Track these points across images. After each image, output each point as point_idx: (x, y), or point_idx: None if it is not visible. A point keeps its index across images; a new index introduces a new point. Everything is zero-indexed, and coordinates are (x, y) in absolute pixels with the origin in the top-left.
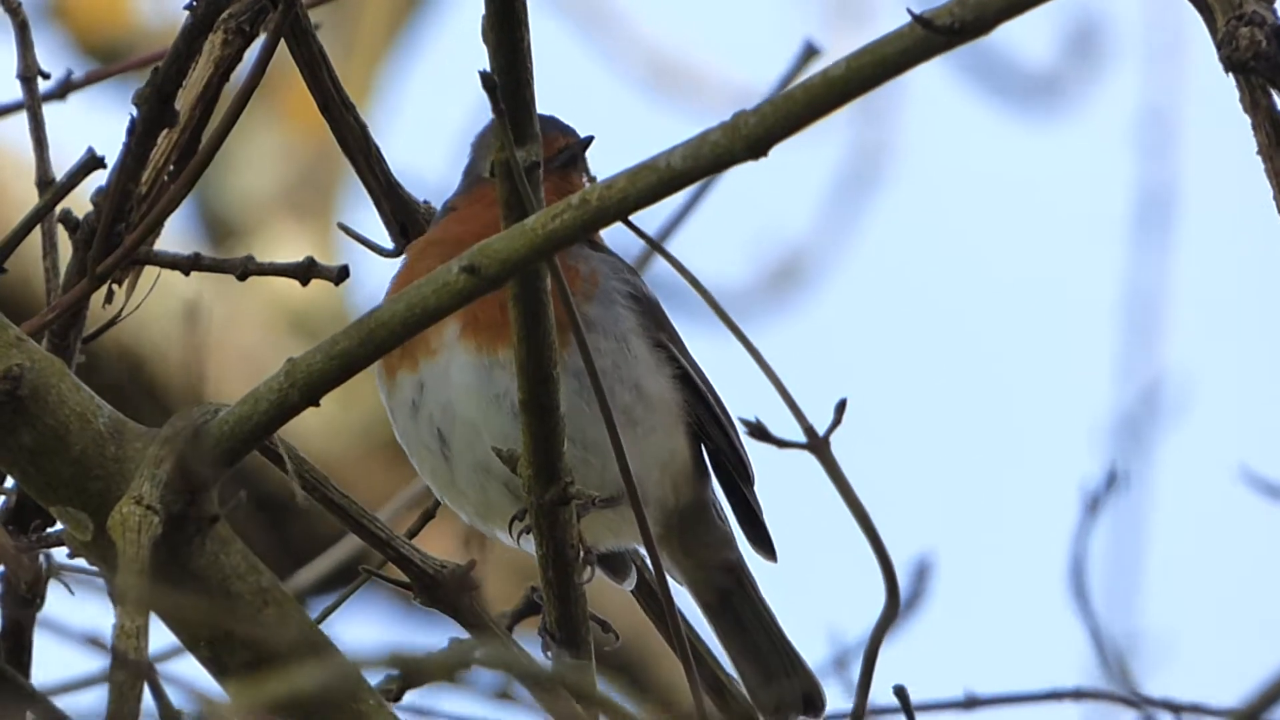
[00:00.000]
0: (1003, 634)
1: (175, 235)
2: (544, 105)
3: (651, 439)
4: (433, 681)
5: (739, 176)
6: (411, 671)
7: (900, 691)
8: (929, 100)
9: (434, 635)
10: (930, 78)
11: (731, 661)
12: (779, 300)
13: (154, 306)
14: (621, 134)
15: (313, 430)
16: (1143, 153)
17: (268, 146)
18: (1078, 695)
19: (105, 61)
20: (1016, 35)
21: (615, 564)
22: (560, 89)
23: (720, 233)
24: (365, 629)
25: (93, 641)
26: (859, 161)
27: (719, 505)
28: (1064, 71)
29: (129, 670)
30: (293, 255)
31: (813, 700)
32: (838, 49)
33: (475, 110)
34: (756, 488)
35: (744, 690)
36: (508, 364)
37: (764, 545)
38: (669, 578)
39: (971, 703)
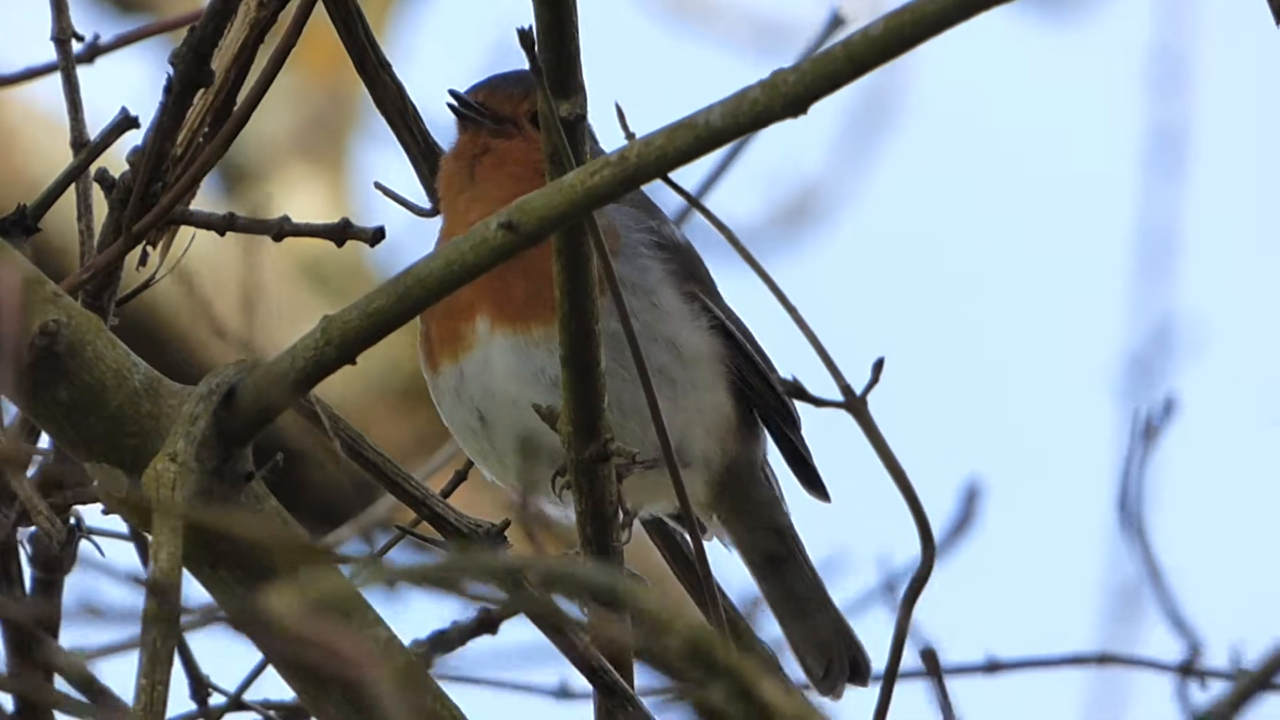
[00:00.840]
0: (1024, 596)
1: None
2: None
3: (692, 396)
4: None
5: None
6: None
7: (928, 654)
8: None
9: None
10: None
11: (780, 625)
12: (793, 237)
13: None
14: (643, 64)
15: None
16: (1154, 90)
17: (280, 90)
18: (1102, 660)
19: (125, 13)
20: None
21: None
22: (580, 19)
23: (731, 169)
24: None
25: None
26: (873, 97)
27: (769, 466)
28: None
29: (160, 620)
30: (307, 200)
31: (859, 667)
32: (862, 8)
33: (499, 54)
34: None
35: (776, 657)
36: (542, 342)
37: (816, 488)
38: (719, 540)
39: (994, 667)
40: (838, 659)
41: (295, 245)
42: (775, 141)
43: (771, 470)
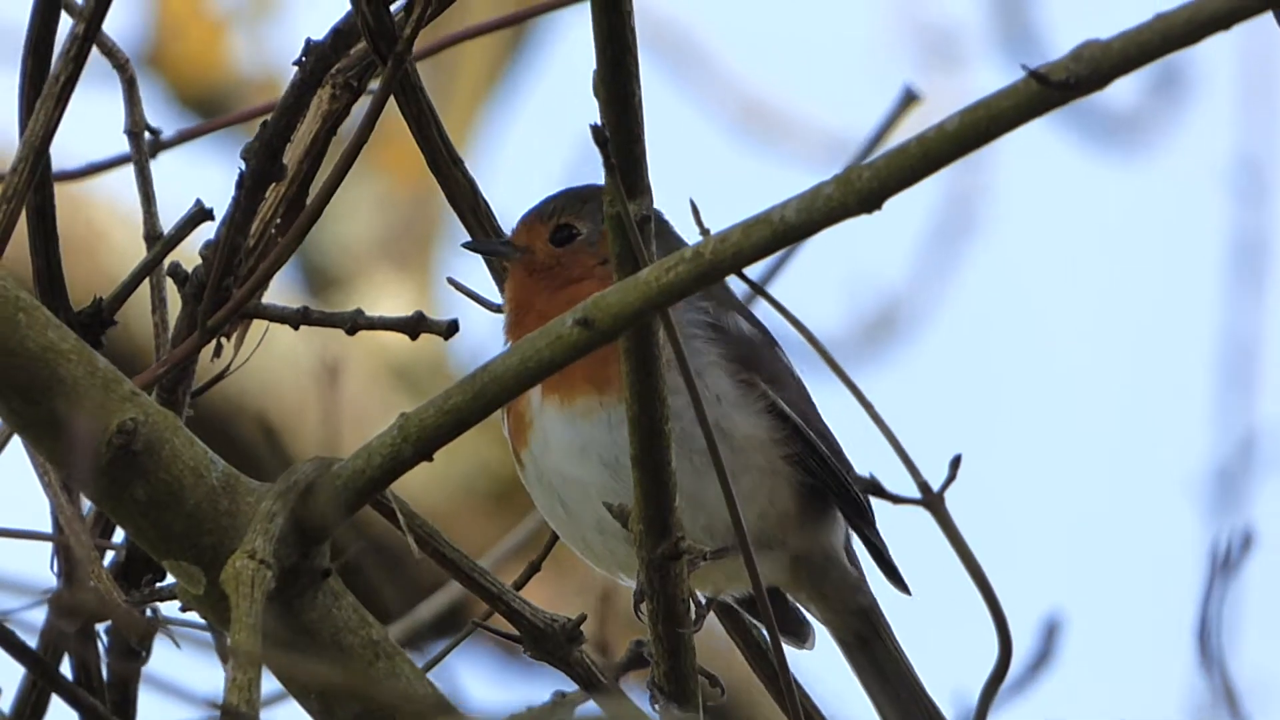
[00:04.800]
0: (1105, 682)
1: (276, 285)
2: None
3: (741, 481)
4: None
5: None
6: None
7: None
8: (1018, 142)
9: (540, 686)
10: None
11: (871, 703)
12: (876, 350)
13: (260, 359)
14: (711, 176)
15: (415, 481)
16: (1236, 201)
17: (367, 196)
18: None
19: (202, 112)
20: None
21: (795, 628)
22: (651, 130)
23: (815, 281)
24: (471, 678)
25: (208, 703)
26: (953, 209)
27: (852, 550)
28: (1149, 111)
29: None
30: (393, 305)
31: None
32: (929, 94)
33: (576, 157)
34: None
35: None
36: (586, 412)
37: (896, 580)
38: (808, 616)
39: None
40: None
41: (388, 352)
42: (858, 253)
43: (854, 554)
